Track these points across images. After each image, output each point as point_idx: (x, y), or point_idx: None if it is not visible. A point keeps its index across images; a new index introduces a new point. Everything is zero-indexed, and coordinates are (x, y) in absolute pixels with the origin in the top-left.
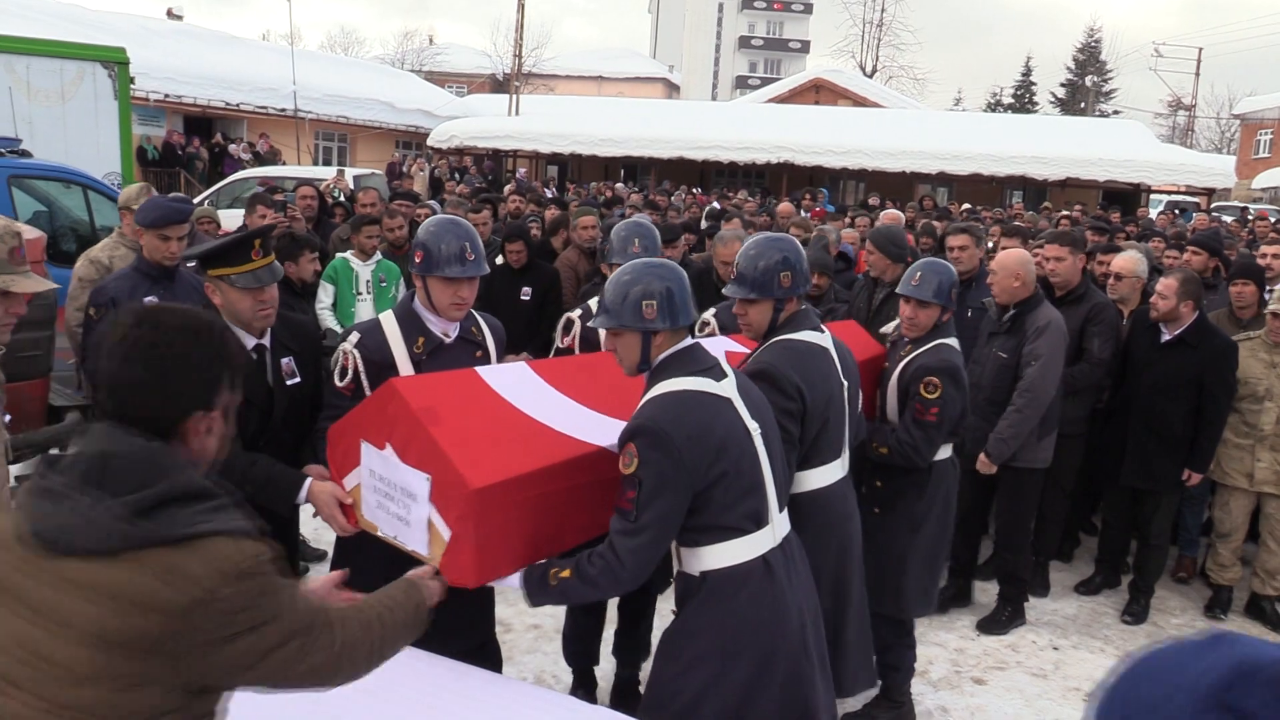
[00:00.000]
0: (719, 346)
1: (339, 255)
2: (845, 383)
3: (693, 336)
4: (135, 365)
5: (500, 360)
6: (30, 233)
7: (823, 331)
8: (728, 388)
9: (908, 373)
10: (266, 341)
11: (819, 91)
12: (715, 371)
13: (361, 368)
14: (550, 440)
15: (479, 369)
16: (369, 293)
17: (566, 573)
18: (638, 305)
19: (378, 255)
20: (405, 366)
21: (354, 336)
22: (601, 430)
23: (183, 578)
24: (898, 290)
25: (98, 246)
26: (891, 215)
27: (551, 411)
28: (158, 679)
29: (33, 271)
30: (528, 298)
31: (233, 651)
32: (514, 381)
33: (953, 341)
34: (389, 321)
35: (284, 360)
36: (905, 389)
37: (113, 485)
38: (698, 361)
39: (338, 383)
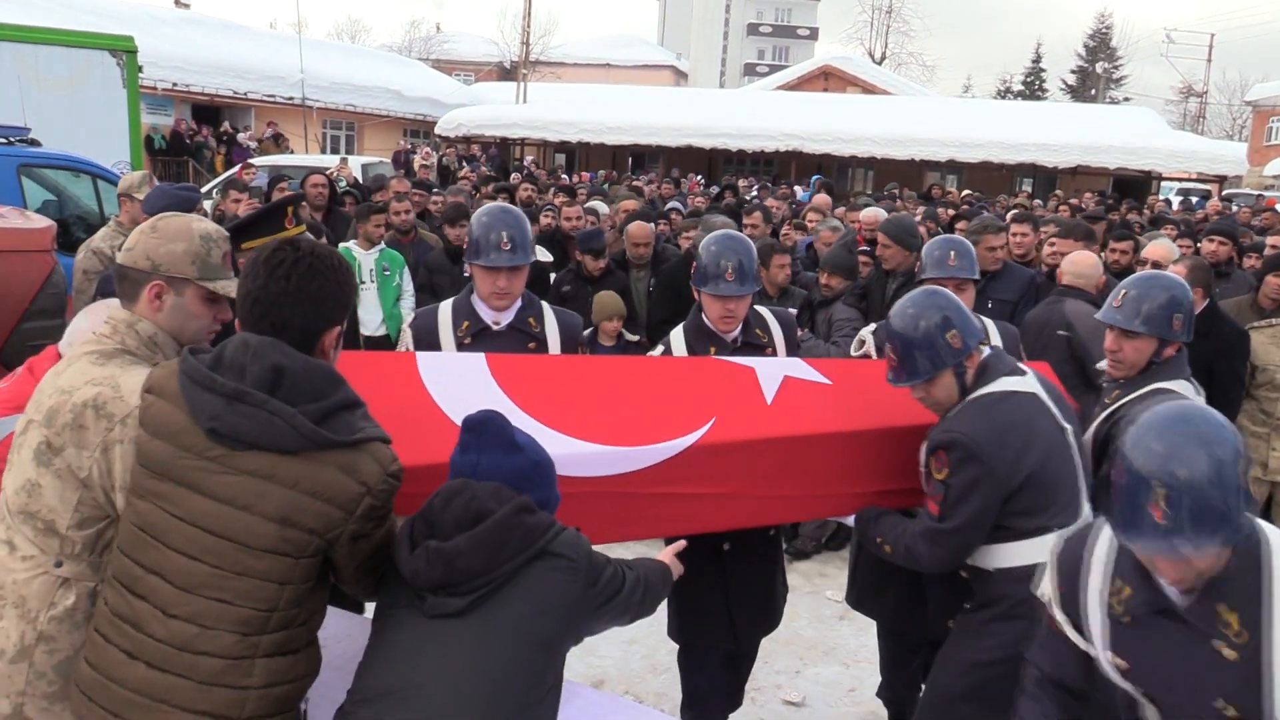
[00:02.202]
0: (777, 370)
1: (341, 245)
2: (1067, 427)
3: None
4: (293, 281)
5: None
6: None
7: (1023, 374)
8: (1031, 383)
9: (1106, 426)
10: None
11: (828, 79)
12: (1018, 370)
13: (411, 345)
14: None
15: (425, 354)
16: (372, 281)
17: (888, 548)
18: (940, 341)
19: (381, 244)
20: (449, 349)
21: (414, 317)
22: (548, 444)
23: (357, 472)
24: (1099, 316)
25: (97, 236)
26: (872, 215)
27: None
28: (317, 553)
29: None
30: (468, 274)
31: (362, 545)
32: (452, 374)
33: (1181, 385)
34: (445, 306)
35: None
36: (1103, 444)
37: (289, 393)
38: (1004, 363)
39: None
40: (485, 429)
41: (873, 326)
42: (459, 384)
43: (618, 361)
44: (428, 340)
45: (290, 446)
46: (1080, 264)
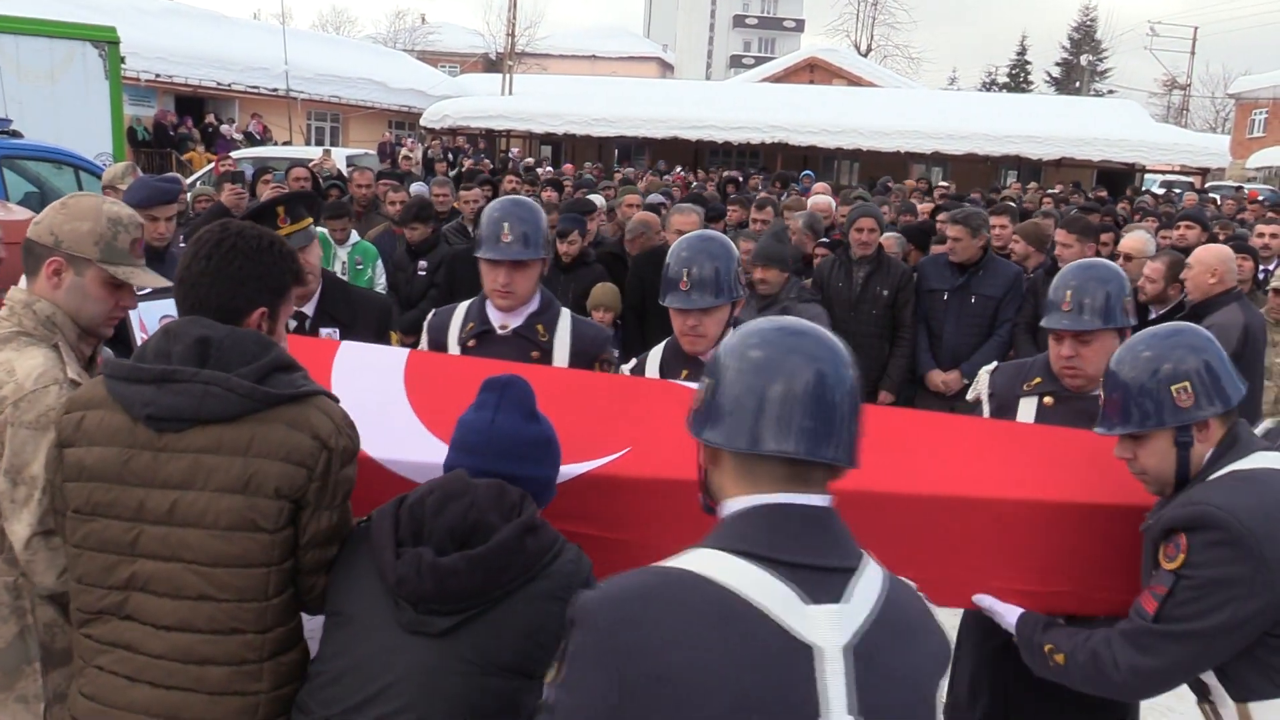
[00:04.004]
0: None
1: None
2: None
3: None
4: (212, 261)
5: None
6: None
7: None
8: None
9: None
10: (309, 310)
11: (813, 71)
12: (1275, 446)
13: (426, 344)
14: None
15: (350, 344)
16: (344, 274)
17: (1060, 657)
18: (1160, 391)
19: (354, 236)
20: (454, 349)
21: (431, 314)
22: (415, 448)
23: (308, 425)
24: None
25: None
26: (825, 203)
27: (372, 415)
28: (289, 523)
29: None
30: (424, 272)
31: (329, 518)
32: (364, 367)
33: None
34: (463, 305)
35: (324, 331)
36: None
37: (219, 362)
38: (1256, 438)
39: None
40: (509, 389)
41: (994, 365)
42: (364, 377)
43: (556, 374)
44: (437, 339)
45: (231, 412)
46: (1206, 255)
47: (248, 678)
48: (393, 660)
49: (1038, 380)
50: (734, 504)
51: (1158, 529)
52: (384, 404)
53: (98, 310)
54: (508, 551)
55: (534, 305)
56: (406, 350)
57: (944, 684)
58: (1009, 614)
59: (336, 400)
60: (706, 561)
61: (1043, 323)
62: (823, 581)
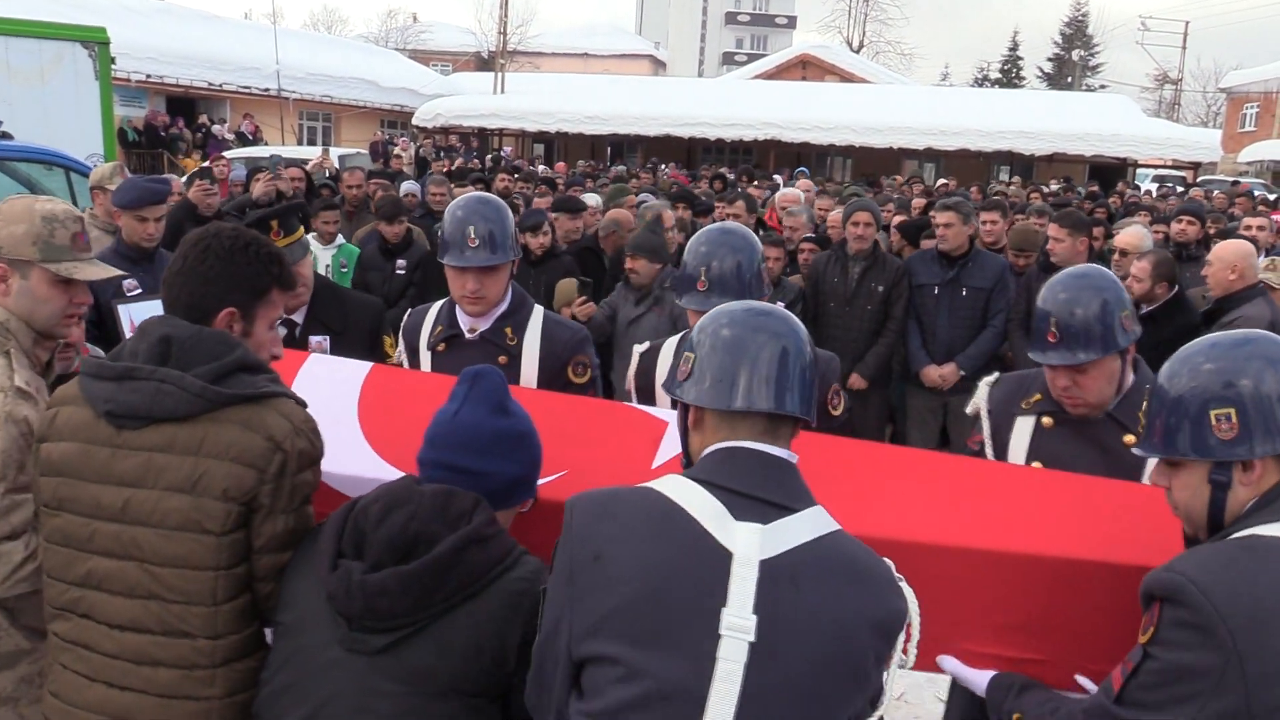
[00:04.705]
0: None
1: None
2: None
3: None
4: (188, 261)
5: (541, 376)
6: None
7: None
8: None
9: None
10: (298, 318)
11: (806, 67)
12: None
13: (403, 348)
14: None
15: (319, 356)
16: (329, 276)
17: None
18: (1199, 416)
19: (339, 239)
20: (424, 354)
21: (406, 314)
22: (351, 461)
23: (262, 427)
24: None
25: None
26: (793, 194)
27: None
28: (239, 526)
29: None
30: (402, 271)
31: (284, 522)
32: (321, 380)
33: None
34: (435, 306)
35: (314, 339)
36: None
37: (180, 361)
38: None
39: (403, 362)
40: (479, 381)
41: (995, 377)
42: (319, 391)
43: (520, 394)
44: (411, 341)
45: (183, 411)
46: (1225, 251)
47: (198, 683)
48: (330, 676)
49: (1037, 398)
50: (709, 448)
51: (1141, 591)
52: (333, 418)
53: (51, 310)
54: (443, 567)
55: (503, 306)
56: (370, 365)
57: (890, 651)
58: (978, 679)
59: (304, 404)
60: (666, 482)
61: (1030, 354)
62: (755, 508)
